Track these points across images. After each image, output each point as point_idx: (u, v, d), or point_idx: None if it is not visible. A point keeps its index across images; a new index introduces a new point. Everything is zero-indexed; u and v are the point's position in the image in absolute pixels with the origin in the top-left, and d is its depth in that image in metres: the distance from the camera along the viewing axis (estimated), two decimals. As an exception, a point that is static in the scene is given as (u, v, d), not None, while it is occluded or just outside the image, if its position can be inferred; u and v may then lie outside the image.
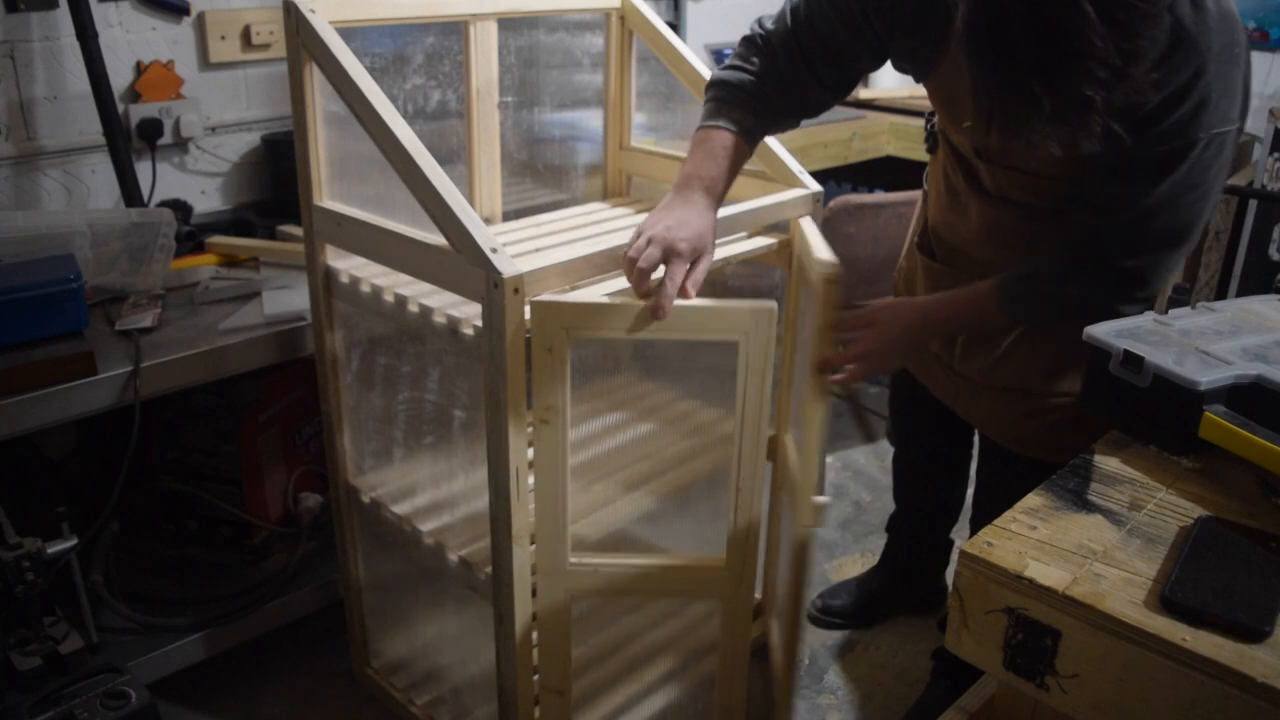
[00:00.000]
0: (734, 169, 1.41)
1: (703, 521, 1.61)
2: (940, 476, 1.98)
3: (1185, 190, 1.25)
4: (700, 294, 1.31)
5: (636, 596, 1.55)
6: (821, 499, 1.37)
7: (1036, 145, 1.11)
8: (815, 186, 1.70)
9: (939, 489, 2.00)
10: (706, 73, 1.76)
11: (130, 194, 1.96)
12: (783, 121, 1.50)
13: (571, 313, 1.29)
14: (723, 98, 1.44)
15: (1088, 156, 1.16)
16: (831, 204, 2.27)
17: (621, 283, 1.36)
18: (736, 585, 1.48)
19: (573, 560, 1.44)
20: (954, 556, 2.18)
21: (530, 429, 1.34)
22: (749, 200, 1.60)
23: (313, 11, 1.43)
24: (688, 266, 1.28)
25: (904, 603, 2.14)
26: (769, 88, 1.44)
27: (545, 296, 1.29)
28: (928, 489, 2.01)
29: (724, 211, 1.53)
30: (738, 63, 1.47)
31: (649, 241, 1.28)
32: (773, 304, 1.30)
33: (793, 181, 1.70)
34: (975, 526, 1.81)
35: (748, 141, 1.43)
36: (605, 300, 1.29)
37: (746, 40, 1.49)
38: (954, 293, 1.47)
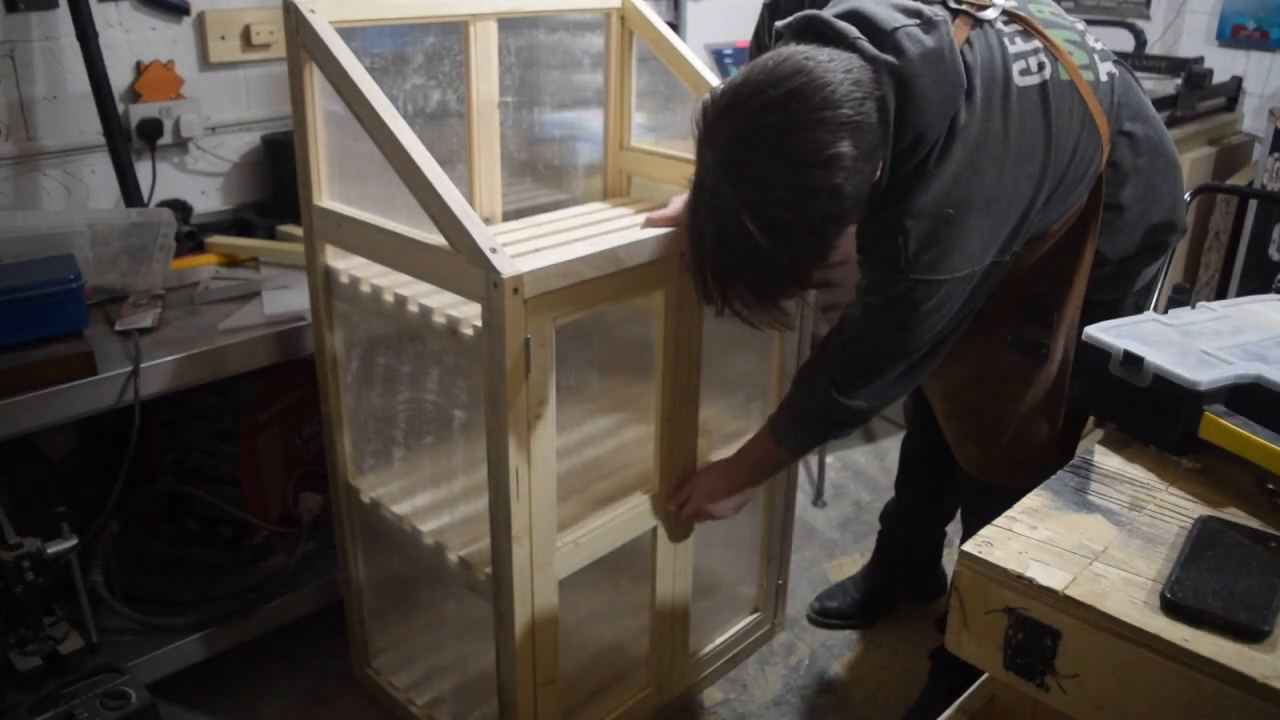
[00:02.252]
0: None
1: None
2: (937, 466, 1.95)
3: (888, 322, 1.34)
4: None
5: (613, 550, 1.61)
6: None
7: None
8: (815, 186, 1.70)
9: (936, 476, 1.98)
10: (707, 73, 1.76)
11: (130, 194, 1.96)
12: None
13: (556, 298, 1.33)
14: None
15: None
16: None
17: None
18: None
19: (557, 545, 1.46)
20: (948, 549, 2.19)
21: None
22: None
23: (313, 11, 1.43)
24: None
25: (903, 595, 2.15)
26: None
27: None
28: (925, 475, 2.01)
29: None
30: None
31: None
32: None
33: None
34: (966, 523, 1.81)
35: None
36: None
37: None
38: (744, 446, 1.62)
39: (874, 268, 1.32)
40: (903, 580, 2.15)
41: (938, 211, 1.25)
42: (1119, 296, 1.54)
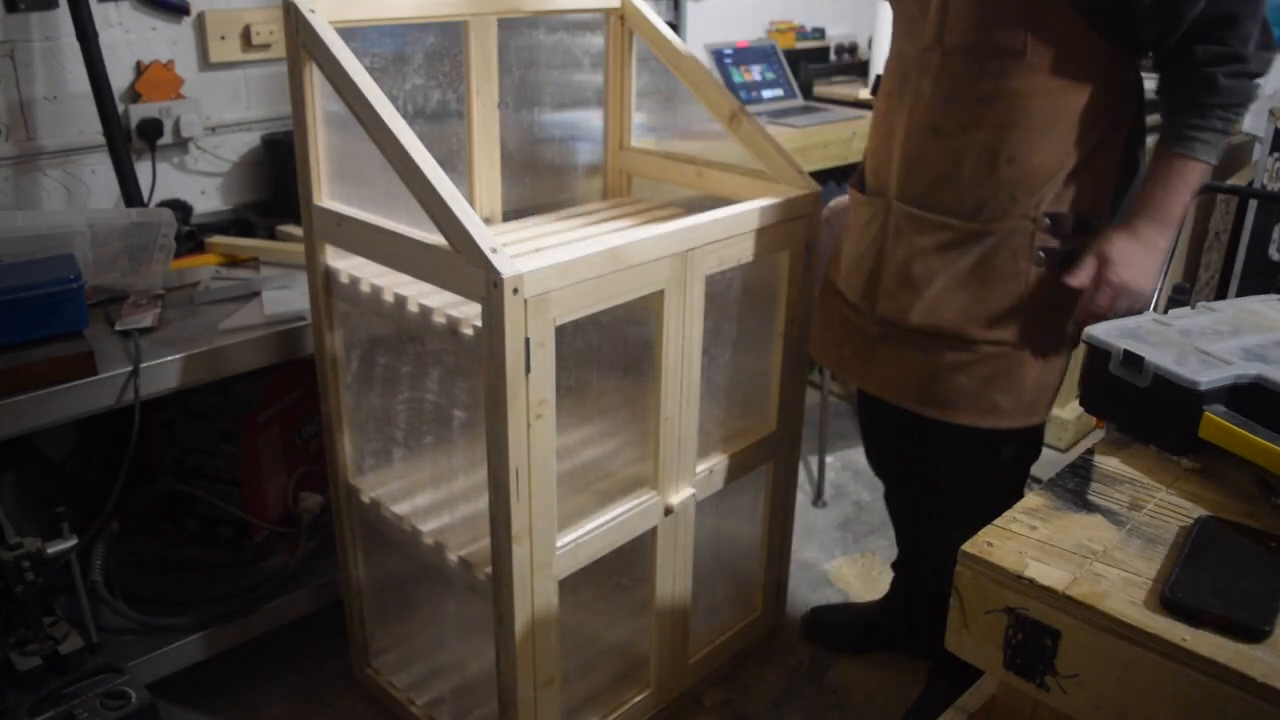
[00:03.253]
0: None
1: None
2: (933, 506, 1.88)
3: None
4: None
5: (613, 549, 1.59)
6: None
7: None
8: (815, 186, 1.70)
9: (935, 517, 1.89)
10: (706, 73, 1.76)
11: (130, 194, 1.96)
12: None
13: (556, 298, 1.32)
14: None
15: None
16: (831, 204, 2.26)
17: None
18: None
19: (557, 545, 1.46)
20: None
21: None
22: (749, 200, 1.60)
23: (313, 11, 1.43)
24: None
25: (905, 643, 2.05)
26: None
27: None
28: (926, 521, 1.90)
29: (724, 212, 1.54)
30: None
31: None
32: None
33: (793, 181, 1.70)
34: (956, 510, 1.76)
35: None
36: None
37: None
38: (1146, 190, 1.42)
39: None
40: (910, 631, 2.03)
41: None
42: None
